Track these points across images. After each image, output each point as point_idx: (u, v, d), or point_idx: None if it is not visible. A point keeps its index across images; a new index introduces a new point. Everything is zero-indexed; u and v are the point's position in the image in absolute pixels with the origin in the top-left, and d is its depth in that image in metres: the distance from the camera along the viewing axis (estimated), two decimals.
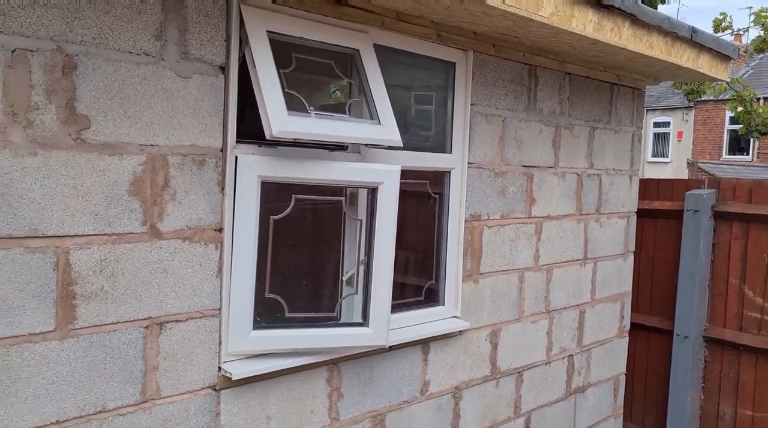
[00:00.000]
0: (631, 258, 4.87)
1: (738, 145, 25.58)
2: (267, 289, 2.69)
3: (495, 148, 3.58)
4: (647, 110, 26.37)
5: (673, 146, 27.86)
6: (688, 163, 17.53)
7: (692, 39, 3.80)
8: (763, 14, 13.50)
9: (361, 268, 2.86)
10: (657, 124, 28.16)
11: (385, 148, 2.91)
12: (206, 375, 2.46)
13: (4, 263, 1.95)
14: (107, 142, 2.13)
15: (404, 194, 2.86)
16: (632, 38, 3.41)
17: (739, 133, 14.40)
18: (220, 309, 2.47)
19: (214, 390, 2.49)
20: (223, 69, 2.41)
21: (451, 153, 3.41)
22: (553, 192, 4.01)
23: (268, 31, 2.49)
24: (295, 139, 2.48)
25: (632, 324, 5.01)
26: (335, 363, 2.90)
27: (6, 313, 1.97)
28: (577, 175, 4.20)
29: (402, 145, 2.82)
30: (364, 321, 2.82)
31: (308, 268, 3.10)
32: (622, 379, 4.95)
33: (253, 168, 2.46)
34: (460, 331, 3.47)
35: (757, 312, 4.73)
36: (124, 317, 2.22)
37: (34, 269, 2.01)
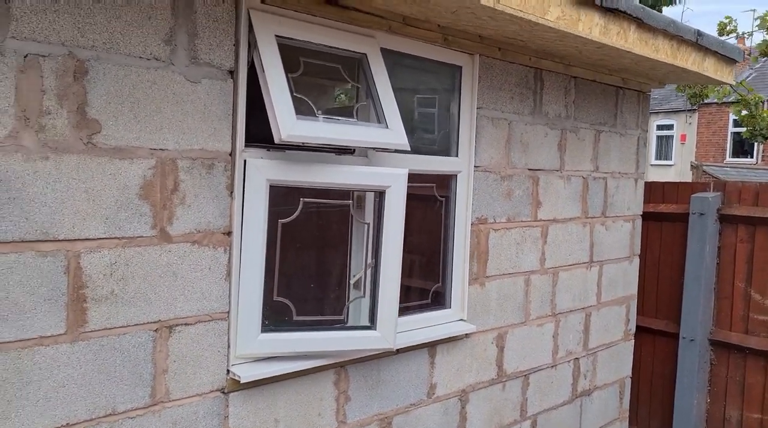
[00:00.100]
0: (636, 262, 4.87)
1: (742, 148, 25.53)
2: (275, 292, 2.70)
3: (501, 151, 3.58)
4: (650, 113, 26.33)
5: (676, 149, 27.82)
6: (691, 165, 17.45)
7: (698, 42, 3.81)
8: None
9: (369, 271, 2.86)
10: (660, 127, 28.11)
11: (393, 152, 2.92)
12: (215, 378, 2.47)
13: (16, 267, 1.97)
14: (118, 146, 2.14)
15: (411, 197, 2.87)
16: (638, 42, 3.42)
17: (743, 136, 14.37)
18: (228, 312, 2.48)
19: (223, 393, 2.50)
20: (232, 73, 2.42)
21: (457, 156, 3.42)
22: (558, 195, 4.01)
23: (276, 36, 2.51)
24: (303, 143, 2.49)
25: (638, 327, 5.00)
26: (343, 366, 2.90)
27: (18, 316, 1.98)
28: (583, 178, 4.21)
29: (409, 149, 2.83)
30: (372, 324, 2.83)
31: (316, 271, 3.11)
32: (628, 382, 4.94)
33: (262, 171, 2.48)
34: (466, 334, 3.47)
35: (763, 315, 4.72)
36: (134, 320, 2.23)
37: (46, 273, 2.03)
